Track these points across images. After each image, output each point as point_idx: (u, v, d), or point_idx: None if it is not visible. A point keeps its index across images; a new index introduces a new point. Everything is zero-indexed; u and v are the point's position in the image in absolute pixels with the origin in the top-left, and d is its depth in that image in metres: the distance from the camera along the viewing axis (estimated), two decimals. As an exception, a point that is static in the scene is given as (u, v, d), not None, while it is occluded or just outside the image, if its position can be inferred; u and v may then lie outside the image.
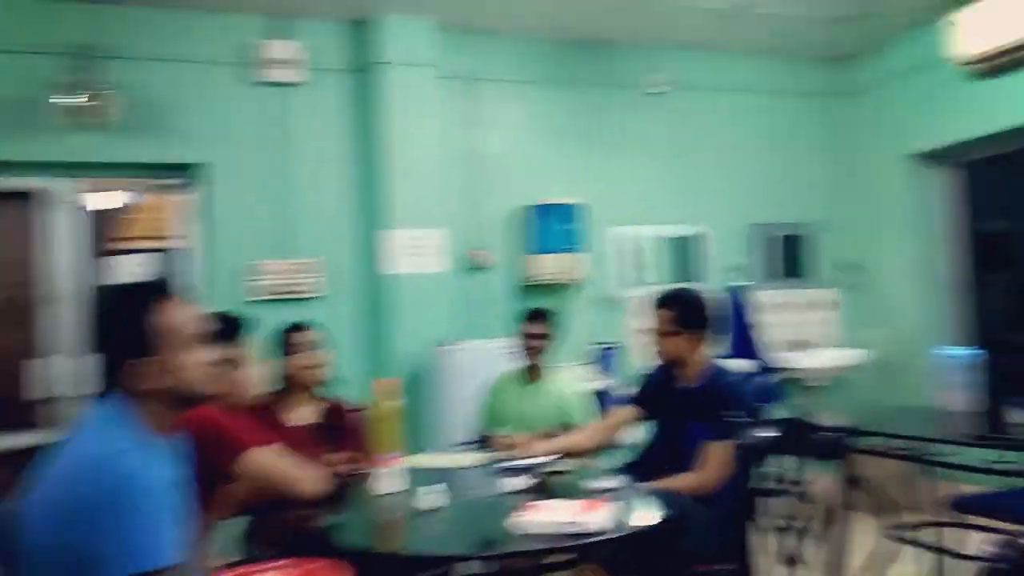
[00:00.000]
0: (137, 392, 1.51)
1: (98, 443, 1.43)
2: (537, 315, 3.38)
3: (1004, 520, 3.00)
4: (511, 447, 2.75)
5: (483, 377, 3.45)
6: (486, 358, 3.60)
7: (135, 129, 3.83)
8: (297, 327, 2.91)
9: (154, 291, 1.59)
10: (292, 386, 2.84)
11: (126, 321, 1.53)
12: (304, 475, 2.13)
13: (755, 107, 5.11)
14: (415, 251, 4.13)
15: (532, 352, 3.30)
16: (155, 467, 1.44)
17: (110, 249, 4.20)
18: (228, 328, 2.28)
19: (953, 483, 3.20)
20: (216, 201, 4.00)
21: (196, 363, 1.57)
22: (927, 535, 3.18)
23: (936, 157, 4.91)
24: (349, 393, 3.06)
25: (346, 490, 2.35)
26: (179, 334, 1.55)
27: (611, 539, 1.81)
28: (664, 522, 2.17)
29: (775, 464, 2.25)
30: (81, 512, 1.35)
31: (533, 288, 4.45)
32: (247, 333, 2.32)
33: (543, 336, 3.31)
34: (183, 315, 1.58)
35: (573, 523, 1.81)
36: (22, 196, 3.81)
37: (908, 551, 3.11)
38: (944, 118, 4.70)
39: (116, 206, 4.79)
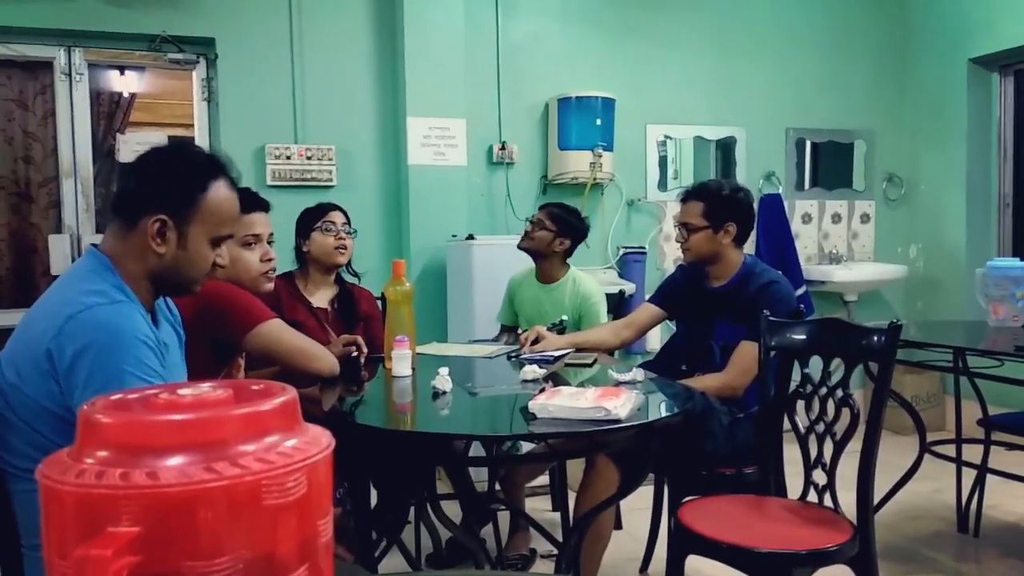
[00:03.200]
0: (137, 248, 1.38)
1: (76, 294, 1.32)
2: (546, 204, 3.14)
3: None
4: (531, 340, 2.63)
5: (503, 273, 3.33)
6: (506, 254, 3.45)
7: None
8: (328, 207, 2.80)
9: (221, 167, 1.45)
10: (312, 266, 2.75)
11: (186, 176, 1.39)
12: (320, 352, 2.04)
13: (801, 2, 4.77)
14: (435, 142, 3.94)
15: (522, 239, 3.07)
16: (135, 322, 1.33)
17: (121, 130, 4.07)
18: (254, 205, 2.18)
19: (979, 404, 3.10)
20: (222, 79, 3.82)
21: (207, 256, 1.44)
22: (963, 452, 3.11)
23: (994, 63, 4.58)
24: (364, 285, 2.96)
25: (358, 371, 2.28)
26: (217, 223, 1.42)
27: (628, 427, 1.70)
28: (685, 418, 2.07)
29: (810, 368, 2.12)
30: (54, 364, 1.26)
31: (558, 186, 4.27)
32: (268, 212, 2.22)
33: (539, 224, 3.02)
34: (230, 206, 1.45)
35: (590, 409, 1.70)
36: (28, 66, 3.72)
37: (930, 468, 3.04)
38: (1005, 19, 4.35)
39: (127, 88, 4.63)
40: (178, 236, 1.38)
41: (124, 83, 4.62)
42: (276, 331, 1.95)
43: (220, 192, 1.42)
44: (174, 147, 1.47)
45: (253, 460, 0.47)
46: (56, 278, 1.51)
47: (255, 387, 0.54)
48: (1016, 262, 3.09)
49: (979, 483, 3.11)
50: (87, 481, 0.44)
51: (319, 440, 0.51)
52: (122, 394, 0.52)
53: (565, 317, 2.97)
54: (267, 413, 0.49)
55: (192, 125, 3.99)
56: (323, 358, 2.03)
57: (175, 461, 0.45)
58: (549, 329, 2.83)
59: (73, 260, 3.64)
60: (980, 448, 3.07)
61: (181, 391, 0.52)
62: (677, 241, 2.68)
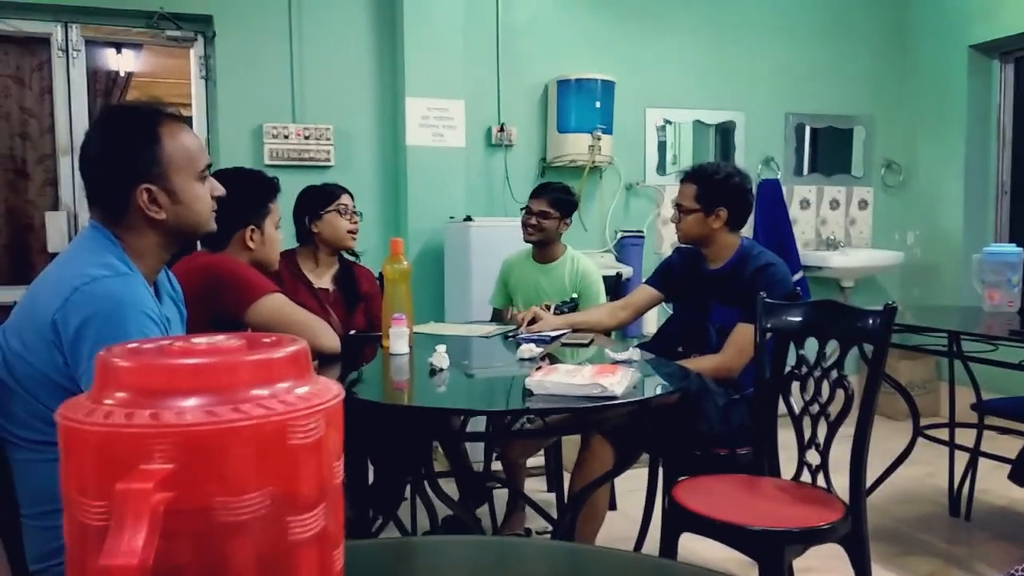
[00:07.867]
0: (136, 223, 1.40)
1: (82, 266, 1.33)
2: (541, 191, 3.11)
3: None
4: (527, 320, 2.65)
5: (500, 255, 3.34)
6: (504, 236, 3.47)
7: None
8: (339, 189, 2.80)
9: (165, 115, 1.45)
10: (320, 248, 2.75)
11: (136, 143, 1.39)
12: (324, 328, 2.05)
13: (804, -13, 4.77)
14: (433, 123, 3.93)
15: (531, 231, 3.06)
16: (141, 296, 1.34)
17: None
18: (265, 187, 2.18)
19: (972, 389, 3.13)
20: (220, 57, 3.80)
21: (203, 196, 1.47)
22: (956, 436, 3.14)
23: (994, 50, 4.58)
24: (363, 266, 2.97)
25: (358, 349, 2.29)
26: (191, 161, 1.44)
27: (624, 404, 1.71)
28: (680, 396, 2.08)
29: (806, 349, 2.13)
30: (59, 334, 1.27)
31: (556, 169, 4.27)
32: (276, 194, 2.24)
33: (543, 215, 3.04)
34: (194, 142, 1.47)
35: (586, 385, 1.71)
36: (25, 42, 3.70)
37: (923, 453, 3.06)
38: (1005, 6, 4.35)
39: (124, 67, 4.61)
40: (167, 194, 1.40)
41: (121, 62, 4.60)
42: (279, 304, 1.95)
43: (175, 134, 1.42)
44: (107, 122, 1.46)
45: (276, 403, 0.49)
46: (53, 256, 1.52)
47: (266, 339, 0.55)
48: (1013, 248, 3.10)
49: (971, 467, 3.14)
50: (117, 421, 0.46)
51: (331, 388, 0.53)
52: (137, 343, 0.53)
53: (575, 295, 2.99)
54: (280, 360, 0.51)
55: (189, 104, 3.98)
56: (327, 334, 2.04)
57: (193, 403, 0.47)
58: (559, 307, 2.85)
59: (70, 238, 3.62)
60: (973, 432, 3.10)
61: (195, 340, 0.53)
62: (672, 221, 2.69)
